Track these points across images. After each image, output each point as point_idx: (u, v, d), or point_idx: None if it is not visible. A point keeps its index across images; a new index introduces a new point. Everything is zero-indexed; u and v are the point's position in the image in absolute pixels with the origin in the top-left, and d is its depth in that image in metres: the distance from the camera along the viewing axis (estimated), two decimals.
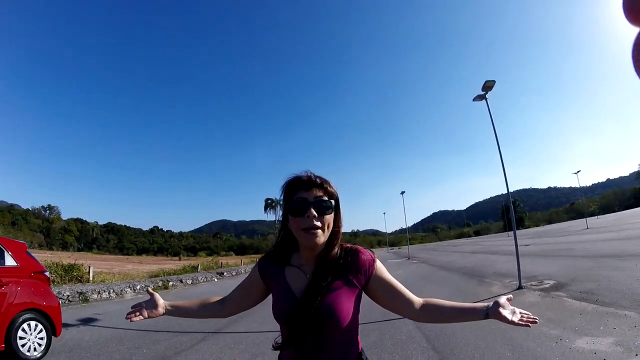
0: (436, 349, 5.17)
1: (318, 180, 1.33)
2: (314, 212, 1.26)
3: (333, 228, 1.35)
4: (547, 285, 9.37)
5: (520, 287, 9.60)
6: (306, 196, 1.29)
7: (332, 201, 1.33)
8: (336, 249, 1.36)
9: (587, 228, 40.05)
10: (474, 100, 11.42)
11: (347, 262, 1.34)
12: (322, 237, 1.29)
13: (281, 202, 1.39)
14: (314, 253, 1.34)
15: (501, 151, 11.06)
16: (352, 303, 1.32)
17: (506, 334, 5.55)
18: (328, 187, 1.34)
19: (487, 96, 11.03)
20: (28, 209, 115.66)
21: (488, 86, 10.74)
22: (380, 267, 1.38)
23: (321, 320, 1.25)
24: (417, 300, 1.39)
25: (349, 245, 1.41)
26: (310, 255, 1.35)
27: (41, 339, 5.40)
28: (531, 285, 9.75)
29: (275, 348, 1.39)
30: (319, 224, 1.27)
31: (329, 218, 1.31)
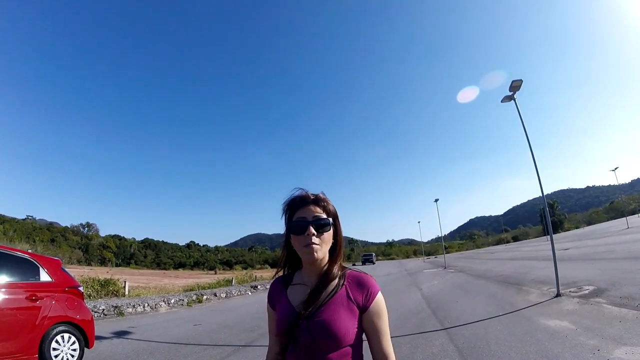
0: None
1: (315, 198, 1.40)
2: (313, 230, 1.32)
3: (333, 243, 1.41)
4: (587, 292, 8.96)
5: (558, 295, 9.21)
6: (305, 215, 1.35)
7: (330, 218, 1.38)
8: (338, 264, 1.41)
9: (628, 227, 38.27)
10: (502, 101, 11.12)
11: (351, 282, 1.37)
12: (320, 252, 1.33)
13: (284, 222, 1.44)
14: (316, 269, 1.38)
15: (533, 152, 10.71)
16: (353, 323, 1.30)
17: (542, 346, 5.32)
18: (325, 205, 1.40)
19: (515, 96, 10.72)
20: (67, 227, 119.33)
21: (515, 86, 10.45)
22: (380, 303, 1.36)
23: (316, 332, 1.25)
24: None
25: (357, 271, 1.43)
26: (313, 271, 1.38)
27: (74, 350, 5.58)
28: (570, 292, 9.34)
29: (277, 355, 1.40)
30: (317, 240, 1.32)
31: (327, 235, 1.36)
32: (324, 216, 1.36)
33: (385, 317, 1.36)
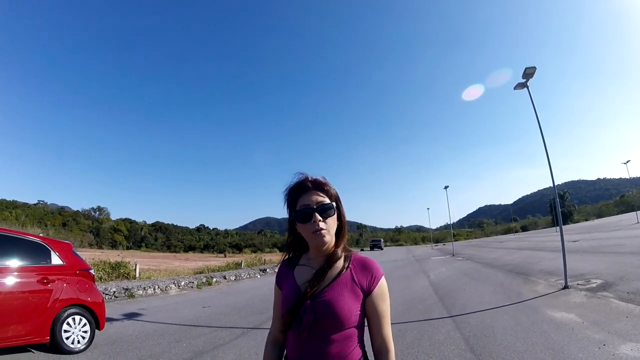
0: (474, 352, 4.99)
1: (316, 184, 1.40)
2: (319, 217, 1.34)
3: (338, 225, 1.42)
4: (594, 285, 8.90)
5: (566, 287, 9.15)
6: (309, 202, 1.36)
7: (333, 202, 1.39)
8: (342, 246, 1.43)
9: (638, 222, 37.82)
10: (515, 88, 10.87)
11: (356, 266, 1.39)
12: (329, 235, 1.35)
13: (287, 209, 1.46)
14: (323, 251, 1.39)
15: (545, 142, 10.50)
16: (356, 305, 1.32)
17: (548, 338, 5.31)
18: (327, 189, 1.41)
19: (528, 84, 10.47)
20: (78, 211, 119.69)
21: (529, 73, 10.19)
22: (384, 287, 1.39)
23: (319, 312, 1.28)
24: (381, 344, 1.37)
25: (362, 255, 1.45)
26: (319, 253, 1.40)
27: (85, 332, 5.68)
28: (578, 284, 9.28)
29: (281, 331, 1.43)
30: (324, 225, 1.34)
31: (332, 219, 1.38)
32: (327, 201, 1.38)
33: (387, 302, 1.39)
